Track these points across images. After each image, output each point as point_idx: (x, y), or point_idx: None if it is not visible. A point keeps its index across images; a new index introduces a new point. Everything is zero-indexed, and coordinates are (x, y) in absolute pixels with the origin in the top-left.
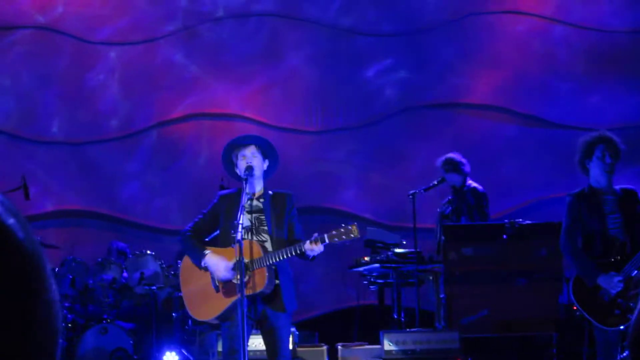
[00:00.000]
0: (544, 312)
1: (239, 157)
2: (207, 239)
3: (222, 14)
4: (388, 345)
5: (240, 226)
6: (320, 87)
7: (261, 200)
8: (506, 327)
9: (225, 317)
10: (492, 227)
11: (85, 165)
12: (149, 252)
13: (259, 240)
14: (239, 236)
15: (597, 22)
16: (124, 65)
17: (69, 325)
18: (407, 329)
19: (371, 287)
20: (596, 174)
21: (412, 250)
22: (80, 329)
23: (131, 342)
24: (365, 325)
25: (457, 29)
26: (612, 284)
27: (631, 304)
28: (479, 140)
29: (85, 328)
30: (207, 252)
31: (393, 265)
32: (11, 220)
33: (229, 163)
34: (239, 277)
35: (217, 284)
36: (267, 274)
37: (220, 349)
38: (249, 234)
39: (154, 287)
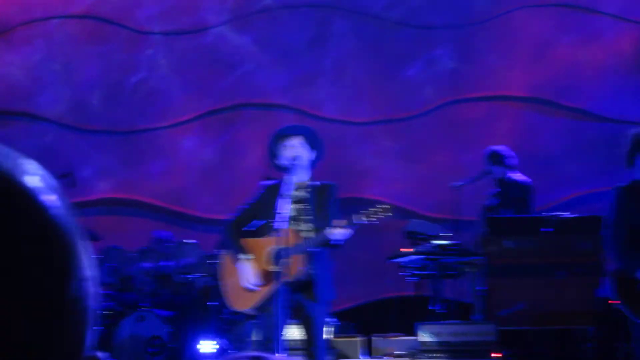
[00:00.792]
0: (581, 305)
1: (287, 147)
2: (249, 228)
3: (271, 2)
4: (423, 337)
5: (282, 215)
6: (365, 79)
7: (306, 190)
8: (543, 320)
9: (262, 307)
10: (534, 219)
11: (133, 153)
12: (189, 241)
13: (300, 230)
14: (280, 225)
15: None
16: (173, 53)
17: (107, 312)
18: (444, 321)
19: (410, 278)
20: None
21: (454, 242)
22: (118, 316)
23: (167, 330)
24: (402, 316)
25: (503, 22)
26: None
27: None
28: (525, 133)
29: (123, 316)
30: (242, 257)
31: (434, 257)
32: (51, 196)
33: (274, 153)
34: (277, 266)
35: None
36: (301, 261)
37: (255, 337)
38: (292, 223)
39: (192, 276)
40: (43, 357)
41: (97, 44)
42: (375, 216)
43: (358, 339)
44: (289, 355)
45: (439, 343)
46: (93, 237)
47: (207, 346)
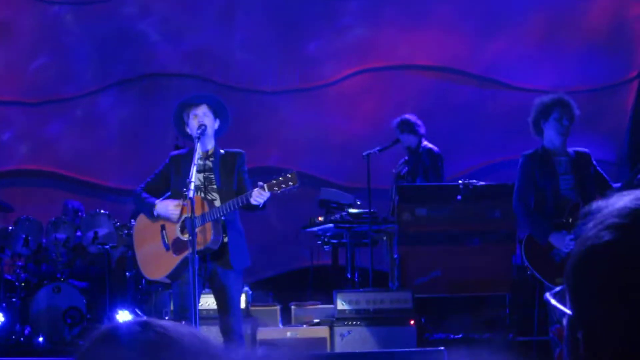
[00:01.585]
0: (497, 272)
1: (190, 116)
2: (162, 199)
3: None
4: (341, 305)
5: (192, 184)
6: (274, 48)
7: (211, 159)
8: (459, 288)
9: (175, 275)
10: (446, 188)
11: (42, 124)
12: (102, 211)
13: (208, 199)
14: (190, 194)
15: None
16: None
17: (23, 284)
18: (361, 289)
19: (325, 247)
20: (551, 135)
21: (367, 210)
22: (34, 287)
23: (84, 301)
24: (319, 285)
25: None
26: (564, 242)
27: None
28: (435, 102)
29: (39, 287)
30: (156, 201)
31: (347, 225)
32: None
33: (181, 122)
34: (187, 234)
35: (167, 242)
36: (212, 230)
37: (172, 307)
38: (199, 192)
39: (108, 247)
40: None
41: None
42: (281, 186)
43: (277, 307)
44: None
45: (357, 311)
46: (6, 208)
47: (124, 316)
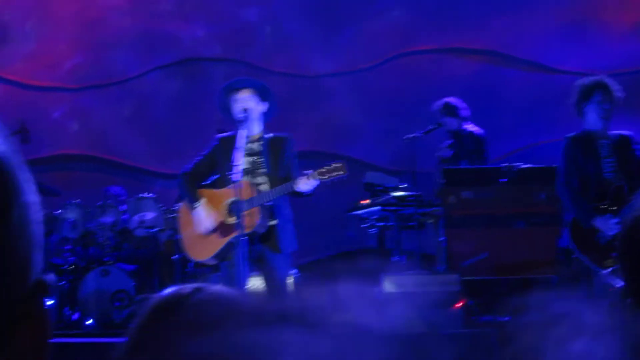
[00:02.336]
0: (542, 255)
1: (235, 101)
2: (206, 182)
3: None
4: (388, 288)
5: (237, 168)
6: (318, 32)
7: (259, 142)
8: (506, 270)
9: (221, 256)
10: (490, 170)
11: (85, 110)
12: (148, 195)
13: (256, 183)
14: (236, 177)
15: None
16: (124, 12)
17: (71, 267)
18: (408, 272)
19: (371, 230)
20: (593, 118)
21: (412, 193)
22: (82, 271)
23: (132, 283)
24: (366, 268)
25: None
26: (608, 226)
27: None
28: (478, 85)
29: (87, 270)
30: (197, 204)
31: (393, 208)
32: None
33: (226, 107)
34: (233, 217)
35: (213, 224)
36: (260, 214)
37: None
38: (247, 176)
39: (154, 230)
40: None
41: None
42: (329, 175)
43: (325, 290)
44: None
45: (404, 293)
46: (53, 192)
47: None
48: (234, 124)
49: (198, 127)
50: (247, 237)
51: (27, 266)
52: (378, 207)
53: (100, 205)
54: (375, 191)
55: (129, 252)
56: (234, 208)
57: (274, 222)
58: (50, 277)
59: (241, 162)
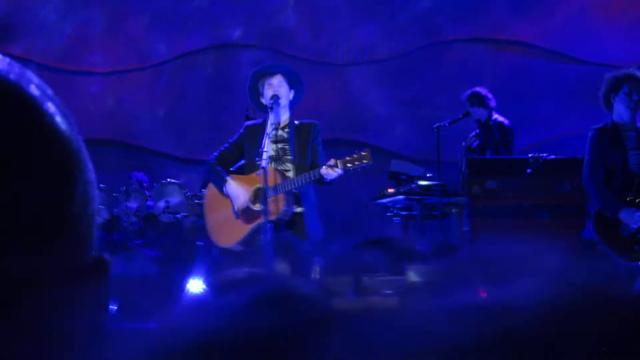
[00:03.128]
0: (566, 246)
1: (265, 86)
2: (232, 169)
3: None
4: (411, 277)
5: (265, 154)
6: (345, 21)
7: (286, 130)
8: None
9: (247, 243)
10: (516, 161)
11: (111, 94)
12: (174, 181)
13: (282, 170)
14: (263, 163)
15: None
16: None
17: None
18: (431, 261)
19: (395, 219)
20: (620, 109)
21: (437, 182)
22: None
23: (156, 269)
24: (390, 257)
25: None
26: (633, 218)
27: None
28: (505, 75)
29: (111, 255)
30: (228, 178)
31: (417, 197)
32: (54, 105)
33: (255, 92)
34: (258, 204)
35: (237, 210)
36: (284, 201)
37: None
38: (273, 162)
39: (179, 216)
40: (52, 260)
41: None
42: (355, 163)
43: (348, 278)
44: None
45: (428, 282)
46: None
47: (196, 286)
48: (262, 110)
49: (226, 114)
50: (272, 223)
51: (88, 245)
52: (402, 196)
53: (125, 191)
54: (400, 180)
55: (153, 238)
56: (260, 194)
57: (299, 209)
58: (107, 255)
59: (268, 148)
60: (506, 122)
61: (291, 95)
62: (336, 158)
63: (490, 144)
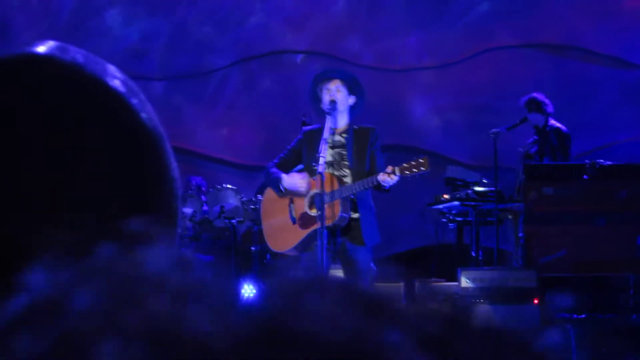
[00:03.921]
0: (622, 253)
1: (324, 91)
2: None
3: None
4: (465, 283)
5: (322, 159)
6: (401, 28)
7: (344, 135)
8: (584, 268)
9: (302, 248)
10: (573, 167)
11: (169, 99)
12: (229, 186)
13: (340, 175)
14: (320, 169)
15: None
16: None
17: None
18: (485, 267)
19: (450, 225)
20: None
21: (493, 188)
22: None
23: (210, 274)
24: (444, 263)
25: None
26: None
27: None
28: (561, 81)
29: None
30: (282, 175)
31: (473, 203)
32: (134, 100)
33: (315, 97)
34: (315, 209)
35: (294, 215)
36: (341, 206)
37: None
38: (331, 168)
39: (234, 221)
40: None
41: None
42: (412, 170)
43: (401, 284)
44: None
45: (481, 289)
46: None
47: (250, 291)
48: (321, 114)
49: (280, 119)
50: (328, 229)
51: (173, 242)
52: (457, 202)
53: (181, 196)
54: (456, 185)
55: (208, 243)
56: (316, 200)
57: (356, 215)
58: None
59: (325, 154)
60: (563, 128)
61: (351, 101)
62: (392, 164)
63: (547, 149)
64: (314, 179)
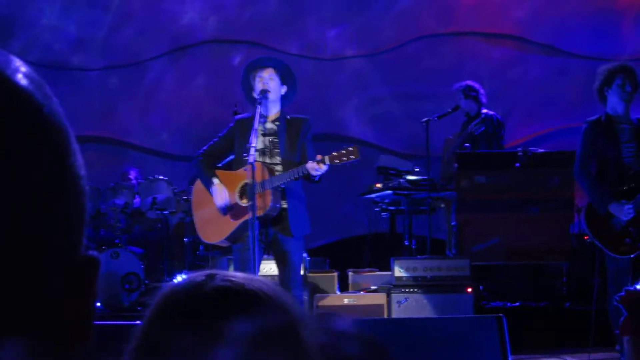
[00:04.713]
0: (555, 241)
1: (256, 79)
2: (221, 164)
3: None
4: (399, 272)
5: (252, 149)
6: (332, 14)
7: (276, 123)
8: (517, 256)
9: (234, 238)
10: (505, 155)
11: (101, 90)
12: (161, 177)
13: (271, 163)
14: (251, 159)
15: None
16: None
17: None
18: (418, 256)
19: (383, 214)
20: (614, 102)
21: (425, 177)
22: None
23: (142, 266)
24: (377, 252)
25: None
26: (623, 211)
27: None
28: (496, 69)
29: (97, 252)
30: (214, 181)
31: (405, 192)
32: (43, 94)
33: (247, 85)
34: (246, 199)
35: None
36: (271, 196)
37: None
38: (262, 156)
39: (166, 212)
40: (42, 256)
41: None
42: (342, 159)
43: (334, 274)
44: None
45: (414, 278)
46: None
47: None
48: (252, 102)
49: (214, 109)
50: (259, 219)
51: (79, 240)
52: (390, 191)
53: (112, 187)
54: (388, 175)
55: (140, 234)
56: (247, 190)
57: (285, 205)
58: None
59: (256, 143)
60: (496, 115)
61: (283, 90)
62: (323, 153)
63: (480, 137)
64: (245, 169)
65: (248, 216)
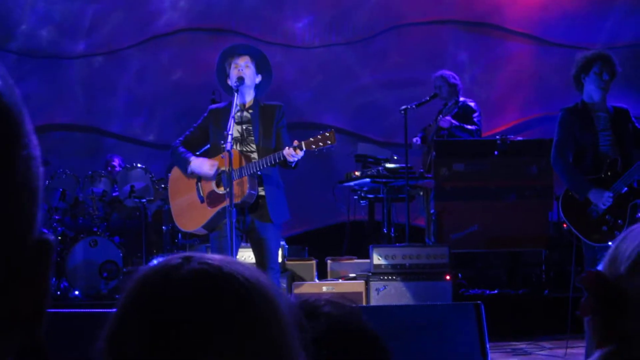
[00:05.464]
0: (533, 228)
1: (232, 66)
2: (198, 153)
3: None
4: (377, 260)
5: (229, 137)
6: (310, 4)
7: (250, 111)
8: (496, 243)
9: (211, 226)
10: (483, 143)
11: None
12: (139, 165)
13: (247, 151)
14: (228, 146)
15: None
16: None
17: (59, 238)
18: (397, 244)
19: (361, 202)
20: (591, 89)
21: (403, 165)
22: (70, 241)
23: (121, 254)
24: (355, 240)
25: None
26: (601, 199)
27: (619, 221)
28: (473, 57)
29: (75, 241)
30: (191, 158)
31: (384, 180)
32: None
33: (222, 73)
34: (222, 187)
35: (202, 194)
36: (248, 183)
37: None
38: (238, 144)
39: (144, 200)
40: None
41: None
42: (319, 144)
43: (313, 261)
44: None
45: (393, 265)
46: (43, 162)
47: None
48: (228, 91)
49: (191, 98)
50: (236, 207)
51: (31, 223)
52: (368, 179)
53: (91, 175)
54: (367, 163)
55: (118, 223)
56: (223, 178)
57: (263, 192)
58: (51, 236)
59: (232, 131)
60: (473, 103)
61: (258, 79)
62: (299, 140)
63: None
64: (222, 157)
65: (225, 204)
